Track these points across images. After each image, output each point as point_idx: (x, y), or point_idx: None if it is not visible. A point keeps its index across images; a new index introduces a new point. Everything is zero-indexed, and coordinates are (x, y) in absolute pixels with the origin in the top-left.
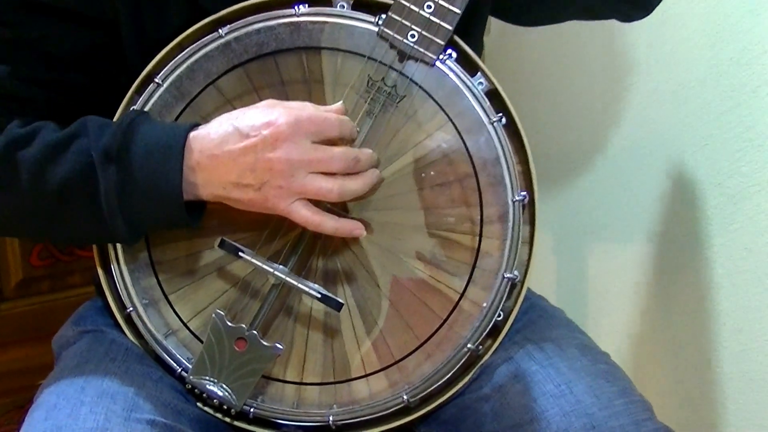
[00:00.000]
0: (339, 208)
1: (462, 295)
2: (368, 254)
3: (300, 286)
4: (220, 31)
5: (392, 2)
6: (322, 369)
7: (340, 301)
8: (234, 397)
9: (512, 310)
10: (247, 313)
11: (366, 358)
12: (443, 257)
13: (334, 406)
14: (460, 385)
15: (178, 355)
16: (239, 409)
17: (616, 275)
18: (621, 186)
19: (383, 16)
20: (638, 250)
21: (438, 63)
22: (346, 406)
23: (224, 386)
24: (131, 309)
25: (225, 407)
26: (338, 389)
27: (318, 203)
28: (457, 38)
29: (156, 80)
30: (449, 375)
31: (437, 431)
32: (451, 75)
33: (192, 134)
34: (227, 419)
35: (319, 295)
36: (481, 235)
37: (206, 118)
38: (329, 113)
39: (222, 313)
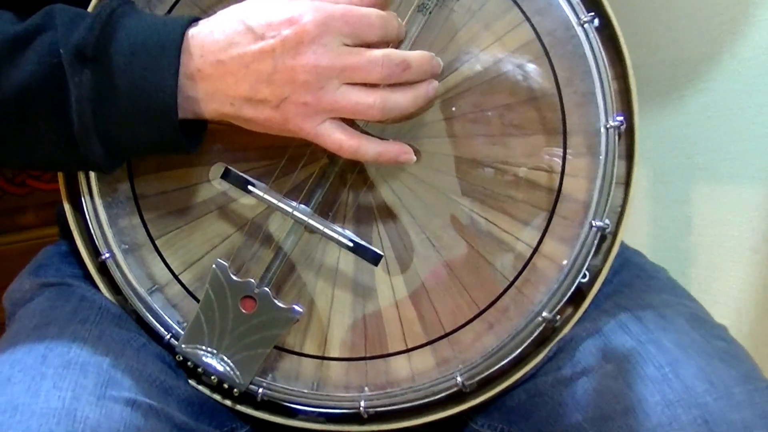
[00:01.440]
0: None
1: (536, 249)
2: (413, 193)
3: (326, 231)
4: None
5: None
6: (350, 340)
7: (378, 252)
8: (238, 373)
9: (601, 269)
10: (256, 265)
11: (408, 328)
12: (512, 200)
13: (366, 388)
14: (532, 364)
15: (166, 317)
16: (244, 390)
17: (731, 227)
18: (742, 110)
19: None
20: (762, 193)
21: None
22: (382, 389)
23: (225, 359)
24: (107, 255)
25: (226, 386)
26: (371, 367)
27: (351, 124)
28: None
29: None
30: (518, 352)
31: (500, 424)
32: None
33: (191, 32)
34: (228, 402)
35: (350, 244)
36: (563, 173)
37: (208, 12)
38: (368, 8)
39: (224, 264)
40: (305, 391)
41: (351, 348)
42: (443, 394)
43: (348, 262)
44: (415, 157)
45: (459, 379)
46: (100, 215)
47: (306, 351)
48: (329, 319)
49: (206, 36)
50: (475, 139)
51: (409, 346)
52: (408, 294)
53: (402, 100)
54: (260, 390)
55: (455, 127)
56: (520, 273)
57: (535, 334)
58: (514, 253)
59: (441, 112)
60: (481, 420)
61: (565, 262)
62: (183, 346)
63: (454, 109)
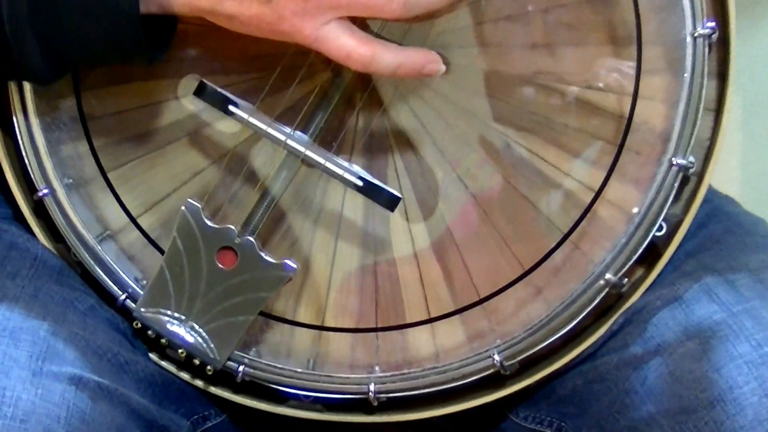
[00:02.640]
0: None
1: (598, 193)
2: (440, 118)
3: (328, 166)
4: None
5: None
6: (357, 307)
7: (395, 193)
8: (212, 346)
9: (681, 220)
10: (237, 208)
11: (431, 292)
12: (567, 129)
13: (377, 368)
14: (591, 341)
15: (120, 273)
16: (220, 367)
17: None
18: None
19: None
20: None
21: None
22: (397, 369)
23: (197, 328)
24: (44, 192)
25: (197, 362)
26: (384, 341)
27: (363, 27)
28: None
29: None
30: (572, 324)
31: (549, 417)
32: None
33: None
34: (199, 383)
35: (359, 183)
36: (635, 94)
37: None
38: None
39: (197, 205)
40: (298, 370)
41: (358, 317)
42: (476, 377)
43: (355, 206)
44: (444, 67)
45: (496, 357)
46: (36, 140)
47: (300, 319)
48: (330, 280)
49: None
50: (520, 51)
51: (433, 315)
52: (432, 248)
53: None
54: (241, 368)
55: (490, 32)
56: (577, 223)
57: (596, 301)
58: (568, 198)
59: (472, 14)
60: (524, 411)
61: (635, 209)
62: (142, 310)
63: (494, 10)
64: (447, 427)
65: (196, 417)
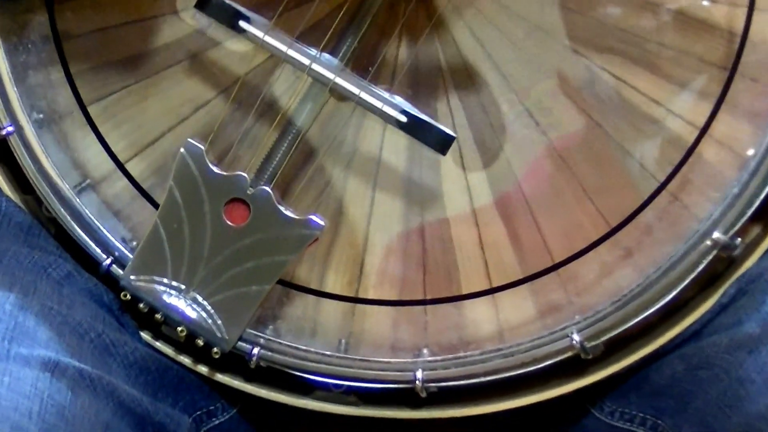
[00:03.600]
0: None
1: (703, 130)
2: (505, 37)
3: (364, 97)
4: None
5: None
6: (400, 274)
7: (448, 131)
8: (219, 322)
9: None
10: (249, 151)
11: (493, 256)
12: (664, 50)
13: (425, 350)
14: (694, 317)
15: (104, 231)
16: (229, 350)
17: None
18: None
19: None
20: None
21: None
22: (451, 351)
23: (200, 300)
24: (8, 130)
25: (200, 343)
26: (434, 317)
27: None
28: None
29: None
30: (671, 296)
31: (641, 413)
32: None
33: None
34: (203, 369)
35: (403, 119)
36: (752, 4)
37: None
38: None
39: (199, 146)
40: (327, 353)
41: (401, 286)
42: (549, 362)
43: (398, 149)
44: None
45: (575, 337)
46: None
47: (329, 289)
48: (366, 240)
49: None
50: None
51: (495, 285)
52: (494, 202)
53: None
54: (255, 350)
55: None
56: (677, 169)
57: (701, 267)
58: (666, 137)
59: None
60: (610, 405)
61: (750, 151)
62: (132, 278)
63: None
64: (513, 424)
65: (199, 413)
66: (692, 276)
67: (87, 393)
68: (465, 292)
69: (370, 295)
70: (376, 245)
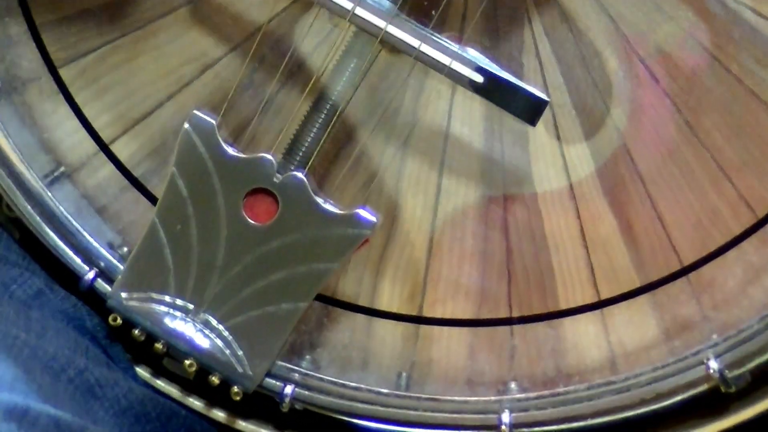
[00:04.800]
0: None
1: None
2: None
3: (425, 51)
4: None
5: None
6: (478, 284)
7: (538, 95)
8: (240, 353)
9: None
10: (275, 125)
11: (600, 258)
12: None
13: (512, 384)
14: None
15: (85, 235)
16: (253, 389)
17: None
18: None
19: None
20: None
21: None
22: (546, 385)
23: (213, 323)
24: None
25: (214, 381)
26: (524, 340)
27: None
28: None
29: None
30: None
31: None
32: None
33: None
34: (219, 414)
35: (479, 79)
36: None
37: None
38: None
39: (209, 119)
40: (384, 390)
41: (479, 300)
42: (678, 398)
43: (472, 120)
44: None
45: (713, 364)
46: None
47: (384, 307)
48: (431, 241)
49: None
50: None
51: (605, 297)
52: (601, 185)
53: None
54: (288, 389)
55: None
56: None
57: None
58: None
59: None
60: None
61: None
62: (123, 295)
63: None
64: None
65: None
66: None
67: None
68: (564, 306)
69: (438, 313)
70: (445, 246)
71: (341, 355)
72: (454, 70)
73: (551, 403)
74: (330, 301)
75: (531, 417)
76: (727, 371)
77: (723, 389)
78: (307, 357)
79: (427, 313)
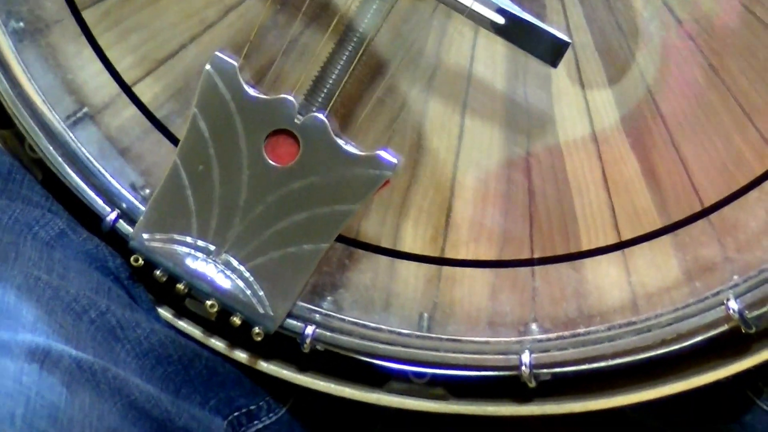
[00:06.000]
0: None
1: None
2: None
3: None
4: None
5: None
6: (500, 226)
7: (560, 36)
8: (261, 294)
9: None
10: (298, 66)
11: (622, 199)
12: None
13: (533, 325)
14: None
15: (107, 176)
16: (274, 329)
17: None
18: None
19: None
20: None
21: None
22: (568, 326)
23: (235, 264)
24: None
25: (236, 322)
26: (545, 281)
27: None
28: None
29: None
30: None
31: None
32: None
33: None
34: (241, 355)
35: (500, 20)
36: None
37: None
38: None
39: (232, 61)
40: (405, 331)
41: (501, 242)
42: (699, 338)
43: (494, 61)
44: None
45: (734, 305)
46: None
47: (407, 248)
48: (454, 182)
49: None
50: None
51: (626, 237)
52: (623, 128)
53: None
54: (309, 329)
55: None
56: None
57: None
58: None
59: None
60: None
61: None
62: (145, 236)
63: None
64: (650, 422)
65: (237, 414)
66: None
67: (87, 390)
68: (586, 248)
69: (461, 255)
70: (468, 188)
71: (363, 297)
72: (475, 11)
73: (572, 343)
74: (352, 243)
75: (551, 357)
76: (747, 312)
77: (743, 330)
78: (329, 298)
79: (450, 254)
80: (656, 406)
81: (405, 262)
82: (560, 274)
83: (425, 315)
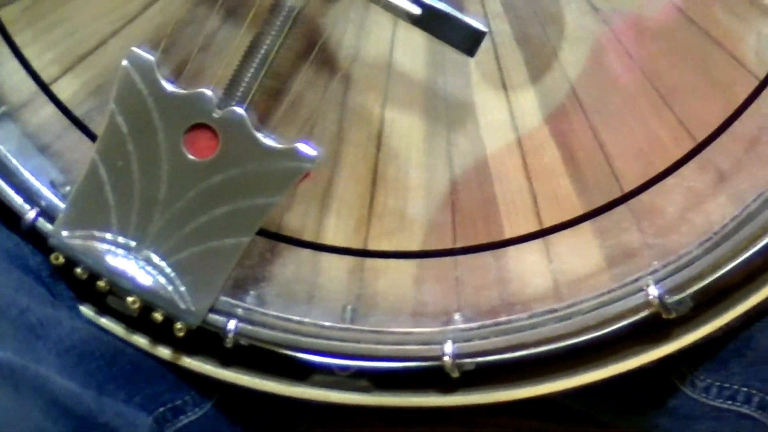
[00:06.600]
0: None
1: None
2: None
3: None
4: None
5: None
6: (424, 216)
7: (476, 26)
8: (182, 289)
9: None
10: (216, 60)
11: (543, 187)
12: None
13: (456, 315)
14: None
15: (25, 174)
16: (197, 324)
17: None
18: None
19: None
20: None
21: None
22: (490, 314)
23: (156, 260)
24: None
25: (158, 317)
26: (467, 270)
27: None
28: None
29: None
30: None
31: (747, 385)
32: None
33: None
34: (164, 351)
35: (416, 10)
36: None
37: None
38: None
39: (148, 56)
40: (328, 324)
41: (424, 232)
42: (621, 324)
43: (414, 51)
44: None
45: (653, 290)
46: None
47: (329, 241)
48: (376, 174)
49: None
50: None
51: (547, 225)
52: (542, 115)
53: None
54: (232, 324)
55: None
56: None
57: None
58: None
59: None
60: (703, 378)
61: None
62: (65, 234)
63: None
64: (575, 409)
65: (162, 409)
66: None
67: (8, 389)
68: (508, 236)
69: (384, 246)
70: (389, 179)
71: (286, 290)
72: (391, 2)
73: (494, 332)
74: (275, 236)
75: (474, 347)
76: (666, 297)
77: (664, 315)
78: (252, 293)
79: (373, 246)
80: (583, 393)
81: (328, 254)
82: (483, 263)
83: (349, 307)
